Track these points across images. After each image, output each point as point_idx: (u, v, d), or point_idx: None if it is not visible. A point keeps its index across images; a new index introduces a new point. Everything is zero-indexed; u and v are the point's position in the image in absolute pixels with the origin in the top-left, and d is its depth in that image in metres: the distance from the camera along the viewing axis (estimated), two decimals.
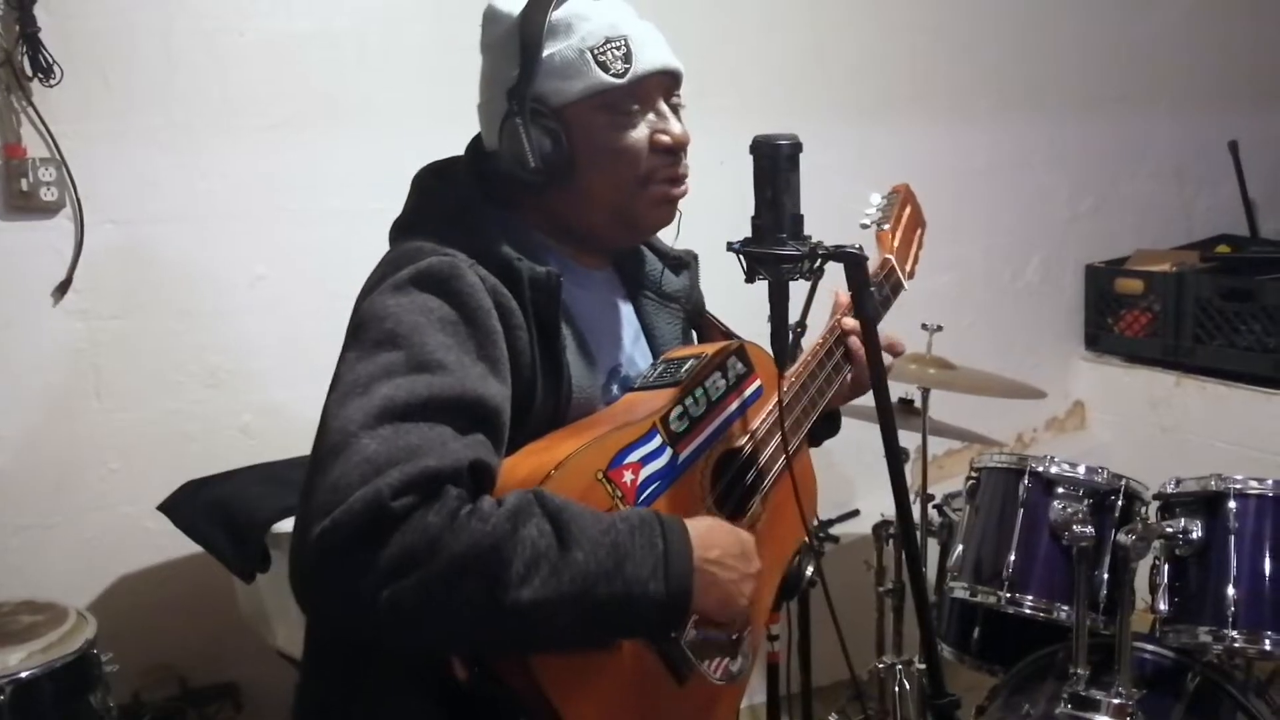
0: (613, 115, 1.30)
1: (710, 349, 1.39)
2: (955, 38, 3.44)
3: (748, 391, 1.41)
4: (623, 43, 1.29)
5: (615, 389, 1.37)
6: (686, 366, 1.35)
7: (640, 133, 1.31)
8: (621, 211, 1.34)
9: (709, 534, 1.21)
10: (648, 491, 1.24)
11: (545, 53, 1.28)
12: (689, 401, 1.31)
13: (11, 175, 2.33)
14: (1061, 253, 3.77)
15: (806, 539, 1.49)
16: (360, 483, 1.03)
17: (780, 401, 1.40)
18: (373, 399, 1.09)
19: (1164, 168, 3.90)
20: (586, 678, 1.18)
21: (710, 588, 1.19)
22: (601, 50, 1.28)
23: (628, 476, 1.22)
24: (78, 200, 2.39)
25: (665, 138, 1.32)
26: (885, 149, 3.25)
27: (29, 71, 2.30)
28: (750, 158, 1.27)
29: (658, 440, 1.27)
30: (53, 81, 2.32)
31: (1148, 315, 3.64)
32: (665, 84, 1.34)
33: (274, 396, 2.58)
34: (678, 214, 1.39)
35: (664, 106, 1.34)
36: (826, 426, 1.63)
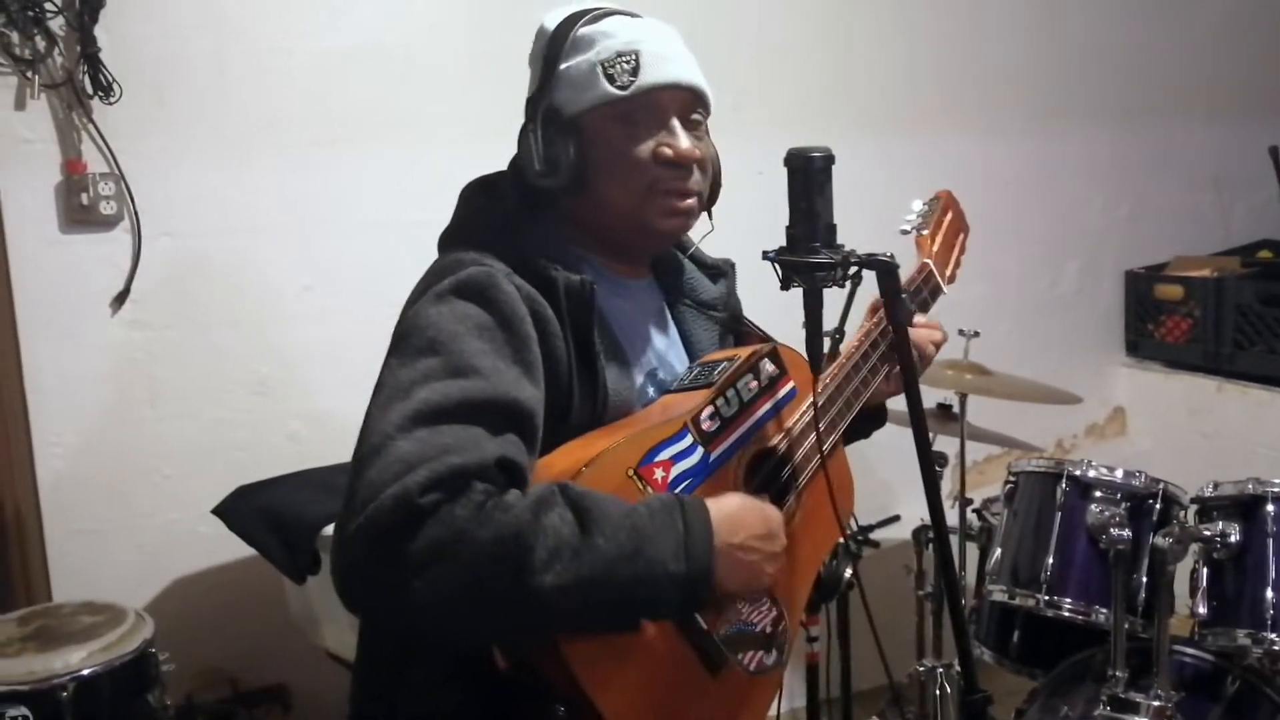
0: (624, 126, 1.34)
1: (743, 352, 1.42)
2: (987, 48, 3.45)
3: (781, 393, 1.43)
4: (633, 57, 1.33)
5: (652, 391, 1.41)
6: (719, 369, 1.38)
7: (646, 145, 1.34)
8: (633, 218, 1.37)
9: (733, 515, 1.24)
10: (679, 488, 1.27)
11: (563, 65, 1.34)
12: (720, 402, 1.34)
13: (73, 190, 2.41)
14: (1099, 260, 3.76)
15: (843, 540, 1.52)
16: (393, 480, 1.08)
17: (815, 404, 1.42)
18: (411, 403, 1.14)
19: (1201, 174, 3.87)
20: (619, 667, 1.20)
21: (735, 569, 1.22)
22: (611, 64, 1.33)
23: (659, 474, 1.25)
24: (135, 214, 2.47)
25: (667, 150, 1.35)
26: (919, 159, 3.26)
27: (89, 90, 2.39)
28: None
29: (689, 439, 1.30)
30: (112, 99, 2.40)
31: (1188, 321, 3.62)
32: (680, 99, 1.36)
33: (320, 404, 2.64)
34: (709, 226, 1.43)
35: (675, 122, 1.36)
36: (873, 420, 1.66)
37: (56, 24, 2.36)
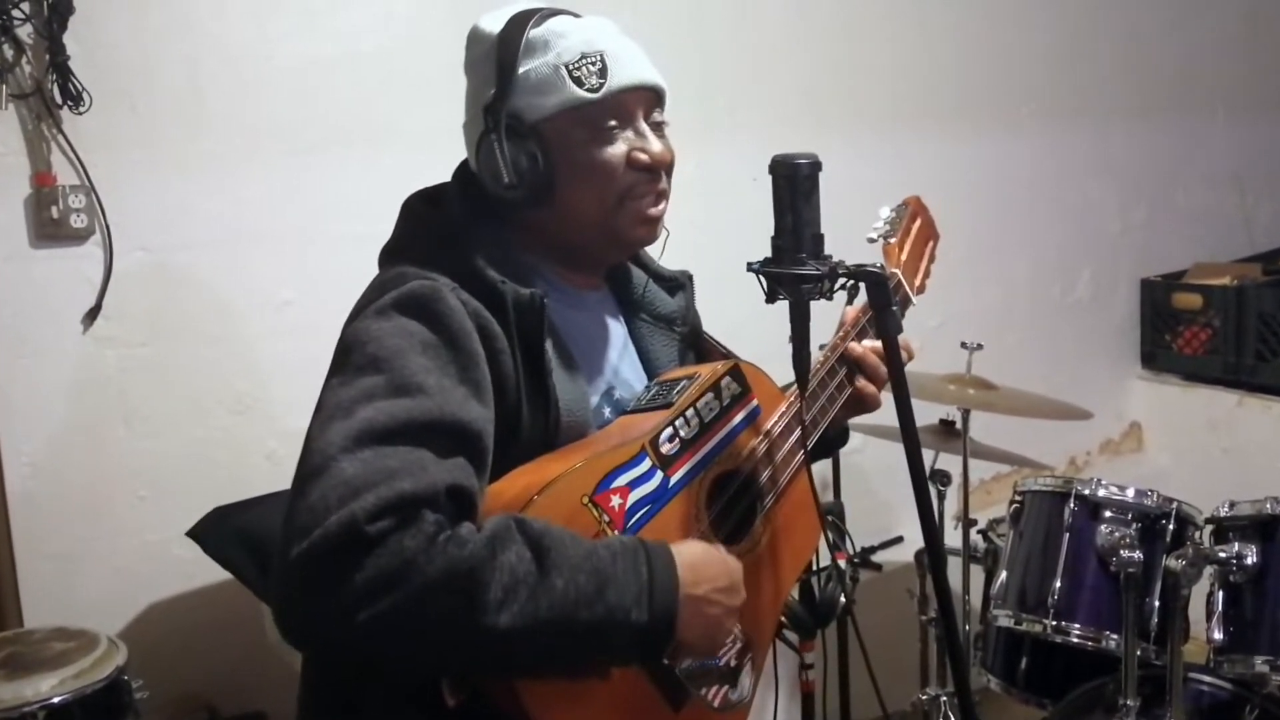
0: (590, 130, 1.30)
1: (704, 370, 1.38)
2: (996, 45, 3.38)
3: (744, 413, 1.39)
4: (598, 58, 1.29)
5: (608, 411, 1.36)
6: (679, 388, 1.34)
7: (618, 149, 1.31)
8: (604, 227, 1.34)
9: (696, 565, 1.20)
10: (637, 515, 1.23)
11: (521, 70, 1.29)
12: (679, 423, 1.30)
13: (42, 203, 2.35)
14: (1114, 267, 3.68)
15: (831, 563, 1.47)
16: (338, 505, 1.04)
17: (802, 419, 1.40)
18: (353, 422, 1.10)
19: (1222, 177, 3.80)
20: (576, 704, 1.16)
21: (694, 619, 1.18)
22: (576, 66, 1.29)
23: (615, 501, 1.21)
24: (107, 227, 2.40)
25: (643, 155, 1.32)
26: (926, 161, 3.18)
27: (58, 99, 2.32)
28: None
29: (647, 463, 1.25)
30: (82, 109, 2.33)
31: (1207, 331, 3.54)
32: (645, 100, 1.34)
33: (300, 423, 2.48)
34: (664, 232, 1.39)
35: (643, 125, 1.33)
36: (835, 439, 1.63)
37: (24, 32, 2.29)
